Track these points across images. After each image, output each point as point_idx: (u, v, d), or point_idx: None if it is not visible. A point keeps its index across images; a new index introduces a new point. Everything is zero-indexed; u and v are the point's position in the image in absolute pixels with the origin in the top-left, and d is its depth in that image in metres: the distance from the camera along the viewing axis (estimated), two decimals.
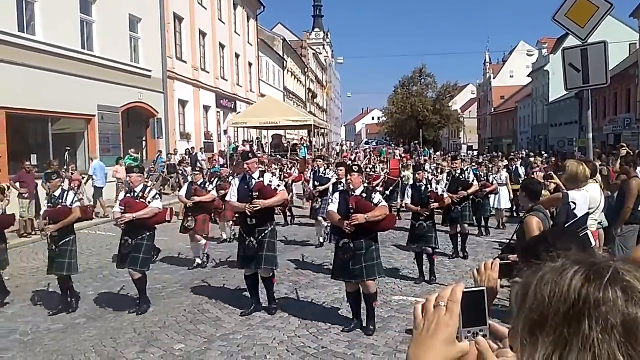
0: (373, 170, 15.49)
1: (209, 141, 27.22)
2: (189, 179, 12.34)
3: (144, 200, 6.72)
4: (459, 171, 10.23)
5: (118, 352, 5.44)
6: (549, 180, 8.41)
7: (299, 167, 17.35)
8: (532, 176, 11.79)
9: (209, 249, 9.41)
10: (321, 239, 10.71)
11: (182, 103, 24.75)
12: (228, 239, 11.07)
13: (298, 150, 27.23)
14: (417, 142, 41.58)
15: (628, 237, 5.84)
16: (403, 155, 23.96)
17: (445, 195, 8.44)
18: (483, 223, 12.07)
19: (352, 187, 5.92)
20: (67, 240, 6.71)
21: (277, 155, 23.10)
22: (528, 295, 0.91)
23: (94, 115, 17.41)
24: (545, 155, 24.90)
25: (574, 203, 4.81)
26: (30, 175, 12.80)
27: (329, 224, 8.89)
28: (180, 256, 9.91)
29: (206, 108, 27.53)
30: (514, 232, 5.08)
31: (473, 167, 13.18)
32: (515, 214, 13.91)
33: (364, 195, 5.88)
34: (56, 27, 15.44)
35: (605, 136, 32.31)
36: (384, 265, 8.87)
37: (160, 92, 21.69)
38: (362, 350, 5.35)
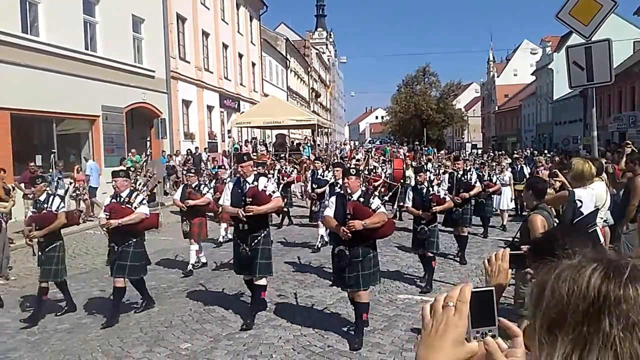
0: (374, 171, 14.89)
1: (213, 141, 27.27)
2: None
3: (129, 206, 6.47)
4: (461, 172, 9.96)
5: (124, 351, 5.46)
6: (554, 179, 8.38)
7: (298, 167, 17.14)
8: (537, 174, 11.73)
9: (210, 250, 9.31)
10: (319, 244, 10.28)
11: (186, 103, 24.80)
12: (220, 241, 10.85)
13: (302, 150, 27.23)
14: (417, 141, 41.34)
15: (634, 235, 5.83)
16: (407, 154, 23.89)
17: (447, 198, 8.11)
18: (483, 223, 11.74)
19: (349, 191, 5.61)
20: (53, 246, 6.50)
21: (279, 156, 23.00)
22: (545, 293, 0.90)
23: (98, 116, 17.47)
24: (548, 154, 24.67)
25: (580, 201, 4.81)
26: (35, 176, 12.85)
27: (326, 230, 8.58)
28: (185, 256, 9.93)
29: (210, 108, 27.57)
30: (517, 230, 5.09)
31: (476, 168, 12.96)
32: (519, 213, 13.82)
33: (362, 199, 5.59)
34: (59, 28, 15.49)
35: (610, 134, 32.20)
36: (389, 266, 8.98)
37: (164, 92, 21.74)
38: (367, 349, 5.36)
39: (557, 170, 6.66)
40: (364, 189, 5.91)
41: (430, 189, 7.87)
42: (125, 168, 13.41)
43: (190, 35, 25.14)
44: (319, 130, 28.28)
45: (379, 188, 12.66)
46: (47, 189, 7.03)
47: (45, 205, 6.52)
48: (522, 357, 0.98)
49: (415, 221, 7.80)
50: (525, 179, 11.66)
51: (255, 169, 7.15)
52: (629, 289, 0.83)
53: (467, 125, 72.61)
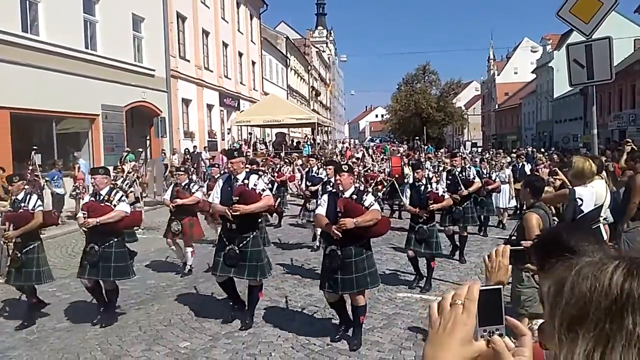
0: (370, 169, 14.58)
1: (213, 140, 27.26)
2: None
3: (109, 204, 6.18)
4: (459, 169, 9.65)
5: (123, 350, 5.46)
6: (555, 177, 8.36)
7: (294, 165, 16.89)
8: (537, 172, 11.68)
9: (209, 249, 9.23)
10: (317, 243, 9.86)
11: (186, 102, 24.79)
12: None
13: (302, 148, 27.23)
14: (416, 138, 41.22)
15: (635, 233, 5.82)
16: (405, 152, 23.84)
17: (446, 195, 7.83)
18: (483, 221, 11.67)
19: (341, 188, 5.35)
20: (31, 247, 6.26)
21: (277, 155, 22.91)
22: (563, 290, 0.89)
23: (98, 115, 17.45)
24: (545, 152, 24.54)
25: (581, 199, 4.80)
26: (12, 175, 12.79)
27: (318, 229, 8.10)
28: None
29: (210, 107, 27.56)
30: (514, 228, 5.08)
31: (474, 164, 12.75)
32: (519, 211, 13.76)
33: (354, 196, 5.32)
34: (59, 27, 15.47)
35: (610, 132, 32.18)
36: (388, 265, 8.98)
37: (164, 91, 21.73)
38: (367, 347, 5.35)
39: (557, 169, 6.64)
40: (357, 185, 5.64)
41: (429, 186, 7.62)
42: (124, 166, 13.40)
43: (190, 34, 25.12)
44: (319, 128, 28.25)
45: (375, 185, 12.47)
46: (26, 187, 6.75)
47: (23, 204, 6.26)
48: (530, 356, 0.97)
49: (413, 220, 7.52)
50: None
51: (248, 166, 6.92)
52: None
53: (467, 124, 72.64)
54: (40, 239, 6.55)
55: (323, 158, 17.63)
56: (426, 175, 7.99)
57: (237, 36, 31.62)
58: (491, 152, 23.57)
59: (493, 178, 11.92)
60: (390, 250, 9.99)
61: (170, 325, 6.16)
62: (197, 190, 8.74)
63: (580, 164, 5.01)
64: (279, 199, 12.73)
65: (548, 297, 0.93)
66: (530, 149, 28.54)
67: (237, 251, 5.76)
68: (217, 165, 12.86)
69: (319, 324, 6.02)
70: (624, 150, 9.37)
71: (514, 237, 4.64)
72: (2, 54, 13.40)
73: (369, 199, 5.35)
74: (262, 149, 25.46)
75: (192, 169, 18.24)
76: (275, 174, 13.24)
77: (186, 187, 8.73)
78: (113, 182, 7.43)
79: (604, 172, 6.11)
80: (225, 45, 29.71)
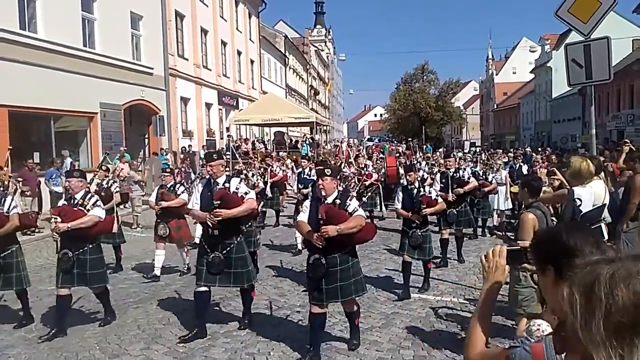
0: (365, 169, 14.06)
1: (211, 139, 27.25)
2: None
3: (82, 208, 5.88)
4: (452, 170, 9.34)
5: (122, 348, 5.46)
6: (553, 177, 8.36)
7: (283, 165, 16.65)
8: (536, 173, 11.63)
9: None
10: (300, 247, 9.41)
11: (184, 100, 24.77)
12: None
13: (300, 148, 27.20)
14: (411, 139, 40.96)
15: (633, 234, 5.83)
16: (406, 152, 23.78)
17: (440, 200, 7.51)
18: (480, 223, 11.55)
19: (323, 193, 5.03)
20: (9, 252, 6.01)
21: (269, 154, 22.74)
22: (595, 296, 0.89)
23: (96, 113, 17.44)
24: (544, 153, 24.46)
25: (580, 199, 4.81)
26: (33, 173, 12.85)
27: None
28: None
29: (208, 105, 27.54)
30: (501, 222, 5.08)
31: (470, 166, 12.41)
32: (516, 212, 13.70)
33: (337, 202, 5.00)
34: (58, 24, 15.45)
35: (608, 132, 32.24)
36: (387, 264, 8.99)
37: (162, 89, 21.71)
38: (365, 347, 5.36)
39: (555, 169, 6.64)
40: (341, 189, 5.30)
41: (422, 189, 7.31)
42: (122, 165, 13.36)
43: (188, 33, 25.09)
44: (318, 128, 28.22)
45: (366, 188, 12.26)
46: (0, 189, 6.51)
47: None
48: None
49: (406, 224, 7.25)
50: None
51: (225, 169, 6.28)
52: None
53: (465, 123, 72.69)
54: (18, 242, 6.28)
55: (316, 158, 17.39)
56: (419, 178, 7.67)
57: (235, 35, 31.60)
58: (488, 152, 23.40)
59: (489, 180, 11.73)
60: (388, 251, 10.00)
61: (168, 324, 6.16)
62: (182, 192, 8.43)
63: (578, 164, 5.02)
64: (272, 200, 12.70)
65: (574, 305, 0.93)
66: (528, 149, 28.54)
67: (222, 257, 5.53)
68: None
69: None
70: (622, 151, 9.37)
71: (511, 237, 4.66)
72: (0, 51, 13.38)
73: (353, 205, 5.04)
74: (260, 148, 25.42)
75: (188, 168, 18.29)
76: (269, 175, 13.01)
77: (171, 188, 8.48)
78: (88, 185, 6.90)
79: (602, 173, 6.13)
80: (223, 43, 29.69)
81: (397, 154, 20.41)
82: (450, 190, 8.85)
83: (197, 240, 8.10)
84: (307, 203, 5.28)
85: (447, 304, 6.84)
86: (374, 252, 9.99)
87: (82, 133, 17.60)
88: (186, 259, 8.60)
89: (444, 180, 9.18)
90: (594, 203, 4.89)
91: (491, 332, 1.92)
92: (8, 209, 5.98)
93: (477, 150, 35.91)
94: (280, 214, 13.89)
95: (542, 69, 50.08)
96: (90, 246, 5.92)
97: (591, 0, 6.12)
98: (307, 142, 28.39)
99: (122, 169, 15.76)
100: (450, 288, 7.62)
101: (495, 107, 69.09)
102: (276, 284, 7.80)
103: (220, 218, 5.42)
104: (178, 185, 8.67)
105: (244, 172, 10.53)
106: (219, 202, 5.49)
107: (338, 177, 6.16)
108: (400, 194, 7.41)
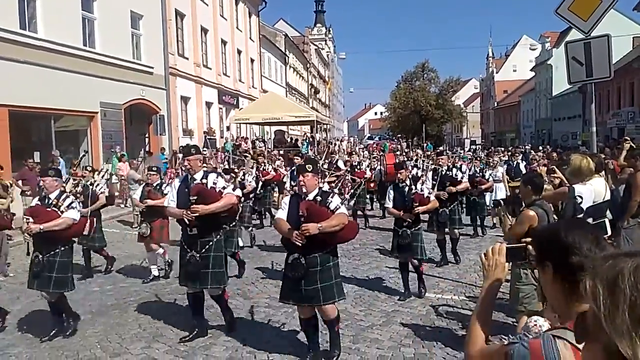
0: (358, 167, 14.06)
1: (212, 137, 27.23)
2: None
3: (56, 209, 5.63)
4: (445, 167, 9.26)
5: (123, 347, 5.47)
6: (553, 175, 8.35)
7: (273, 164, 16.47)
8: (534, 171, 11.61)
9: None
10: None
11: (184, 99, 24.76)
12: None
13: (300, 146, 27.20)
14: (406, 136, 40.78)
15: (633, 230, 5.85)
16: (406, 149, 23.78)
17: (432, 197, 7.31)
18: (479, 222, 11.52)
19: (304, 190, 4.83)
20: None
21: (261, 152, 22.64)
22: (618, 289, 0.94)
23: (97, 112, 17.42)
24: (542, 150, 24.38)
25: (580, 197, 4.81)
26: (33, 173, 12.84)
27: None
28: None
29: (208, 104, 27.52)
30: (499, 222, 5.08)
31: (466, 163, 12.38)
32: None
33: (319, 198, 4.80)
34: (58, 24, 15.43)
35: (608, 130, 32.24)
36: (387, 262, 8.98)
37: (163, 88, 21.70)
38: (366, 345, 5.36)
39: (555, 167, 6.64)
40: (322, 186, 5.13)
41: (413, 187, 7.07)
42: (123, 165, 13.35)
43: (188, 32, 25.07)
44: (318, 126, 28.22)
45: (358, 186, 12.23)
46: None
47: None
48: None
49: (397, 223, 7.05)
50: (521, 176, 11.43)
51: (204, 164, 6.14)
52: None
53: (466, 121, 72.61)
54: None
55: (314, 156, 17.26)
56: (410, 175, 7.50)
57: (235, 34, 31.58)
58: (487, 150, 23.38)
59: (486, 177, 11.70)
60: (388, 249, 9.99)
61: (170, 322, 6.16)
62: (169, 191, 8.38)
63: (578, 161, 5.01)
64: (265, 198, 12.67)
65: (598, 298, 0.97)
66: (528, 147, 28.54)
67: (198, 258, 5.37)
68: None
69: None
70: (623, 148, 9.37)
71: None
72: (0, 51, 13.38)
73: (334, 202, 4.84)
74: (260, 147, 25.42)
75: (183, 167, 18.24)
76: (261, 173, 12.72)
77: (157, 187, 8.31)
78: (63, 185, 6.63)
79: (603, 171, 6.13)
80: (224, 42, 29.67)
81: (398, 152, 20.41)
82: (442, 188, 8.76)
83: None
84: (286, 199, 5.08)
85: (448, 301, 6.84)
86: (374, 250, 10.00)
87: (83, 132, 17.59)
88: (160, 261, 8.42)
89: (435, 177, 9.13)
90: (594, 200, 4.89)
91: (492, 330, 1.92)
92: None
93: (476, 148, 35.89)
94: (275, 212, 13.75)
95: (542, 66, 50.07)
96: (62, 249, 5.69)
97: None
98: (307, 140, 28.38)
99: (119, 168, 15.83)
100: (450, 286, 7.63)
101: (495, 105, 69.07)
102: (277, 283, 7.77)
103: (197, 214, 5.25)
104: (164, 185, 8.47)
105: (236, 170, 10.53)
106: (195, 197, 5.29)
107: (334, 169, 6.07)
108: (392, 192, 7.18)
